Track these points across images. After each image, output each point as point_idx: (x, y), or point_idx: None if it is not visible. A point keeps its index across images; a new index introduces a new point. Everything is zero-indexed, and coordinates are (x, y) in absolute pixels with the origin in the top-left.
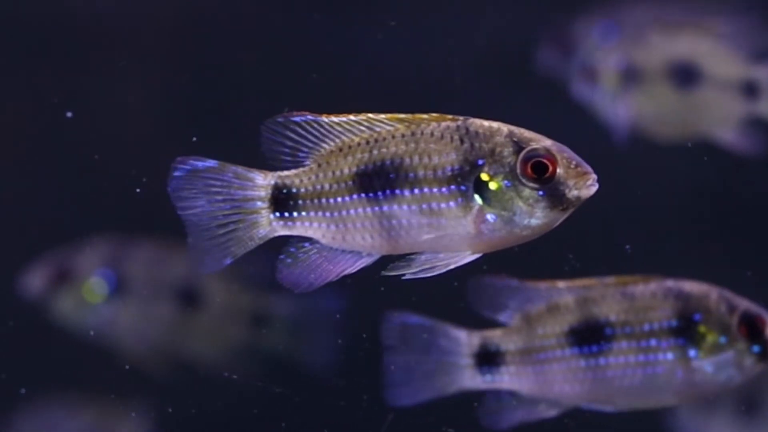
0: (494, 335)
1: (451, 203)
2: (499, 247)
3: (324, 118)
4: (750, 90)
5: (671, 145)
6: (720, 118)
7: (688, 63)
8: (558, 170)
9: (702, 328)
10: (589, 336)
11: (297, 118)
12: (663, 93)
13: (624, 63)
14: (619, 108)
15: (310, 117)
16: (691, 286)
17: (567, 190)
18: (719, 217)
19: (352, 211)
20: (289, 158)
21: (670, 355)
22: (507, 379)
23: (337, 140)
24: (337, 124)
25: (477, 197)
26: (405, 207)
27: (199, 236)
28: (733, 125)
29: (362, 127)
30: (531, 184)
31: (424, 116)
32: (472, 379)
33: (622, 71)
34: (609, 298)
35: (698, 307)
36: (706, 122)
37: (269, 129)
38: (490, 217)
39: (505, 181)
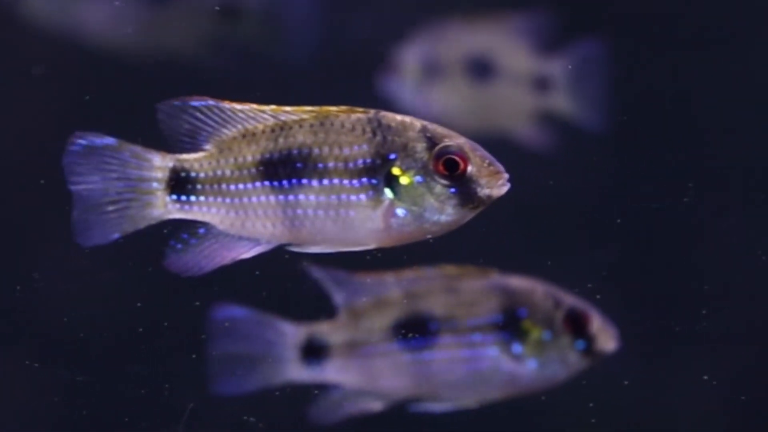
0: (320, 328)
1: (362, 196)
2: (405, 241)
3: (226, 105)
4: (542, 84)
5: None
6: (514, 112)
7: (483, 57)
8: (470, 168)
9: (526, 324)
10: (414, 330)
11: (195, 103)
12: (461, 87)
13: (425, 57)
14: (422, 102)
15: (211, 102)
16: (518, 282)
17: (478, 189)
18: (520, 211)
19: (254, 199)
20: (188, 142)
21: (493, 351)
22: (332, 372)
23: (240, 126)
24: (240, 111)
25: (388, 191)
26: (312, 197)
27: (86, 210)
28: (527, 119)
29: (266, 116)
30: (443, 181)
31: (332, 108)
32: (297, 372)
33: (424, 65)
34: (435, 292)
35: (523, 302)
36: (501, 116)
37: (165, 112)
38: (400, 211)
39: (417, 177)
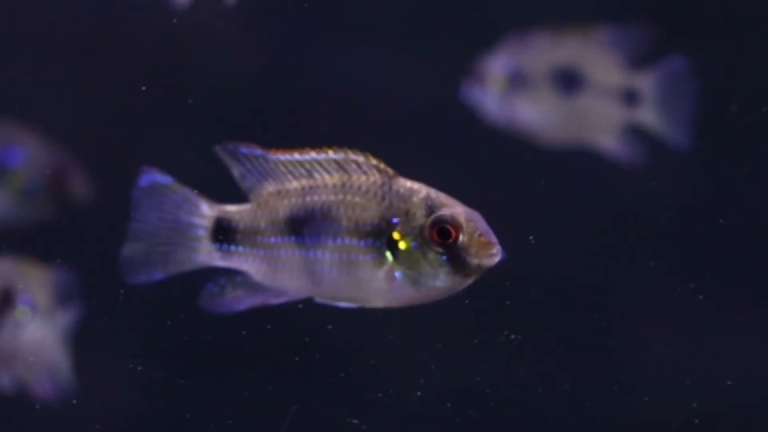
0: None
1: (368, 256)
2: (409, 303)
3: (271, 155)
4: (631, 98)
5: (558, 151)
6: (602, 124)
7: (572, 69)
8: (461, 237)
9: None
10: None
11: (244, 150)
12: (548, 98)
13: (511, 67)
14: (507, 112)
15: (258, 152)
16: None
17: (469, 258)
18: (605, 220)
19: (282, 252)
20: (239, 186)
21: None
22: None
23: (278, 182)
24: (282, 164)
25: (388, 254)
26: (327, 254)
27: (137, 249)
28: (615, 132)
29: (303, 171)
30: (436, 248)
31: (362, 159)
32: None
33: (510, 75)
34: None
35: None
36: (589, 129)
37: (222, 154)
38: (397, 274)
39: (414, 242)
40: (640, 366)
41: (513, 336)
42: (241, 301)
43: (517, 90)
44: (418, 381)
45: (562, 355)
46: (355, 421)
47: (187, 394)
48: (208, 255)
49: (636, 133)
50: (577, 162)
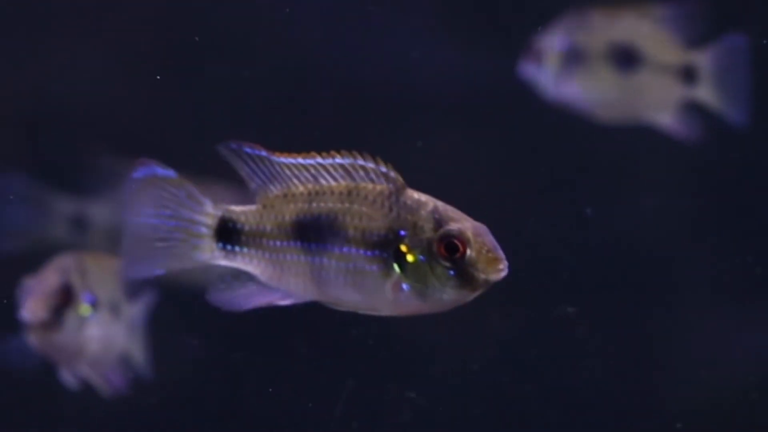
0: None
1: (374, 266)
2: (415, 313)
3: (275, 158)
4: (688, 75)
5: (615, 128)
6: (659, 101)
7: (629, 46)
8: (469, 253)
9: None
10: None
11: (248, 150)
12: (604, 75)
13: (567, 44)
14: (564, 89)
15: (263, 153)
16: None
17: (476, 273)
18: (663, 195)
19: (288, 256)
20: (244, 185)
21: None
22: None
23: (284, 185)
24: (287, 167)
25: (396, 266)
26: (333, 262)
27: (136, 244)
28: (672, 109)
29: (308, 175)
30: (443, 263)
31: (370, 165)
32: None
33: (566, 52)
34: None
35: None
36: (645, 106)
37: (225, 153)
38: (404, 286)
39: (421, 256)
40: (697, 339)
41: (570, 309)
42: (247, 300)
43: (573, 68)
44: (474, 355)
45: (620, 328)
46: (412, 394)
47: (244, 369)
48: (211, 253)
49: (694, 110)
50: (634, 139)
